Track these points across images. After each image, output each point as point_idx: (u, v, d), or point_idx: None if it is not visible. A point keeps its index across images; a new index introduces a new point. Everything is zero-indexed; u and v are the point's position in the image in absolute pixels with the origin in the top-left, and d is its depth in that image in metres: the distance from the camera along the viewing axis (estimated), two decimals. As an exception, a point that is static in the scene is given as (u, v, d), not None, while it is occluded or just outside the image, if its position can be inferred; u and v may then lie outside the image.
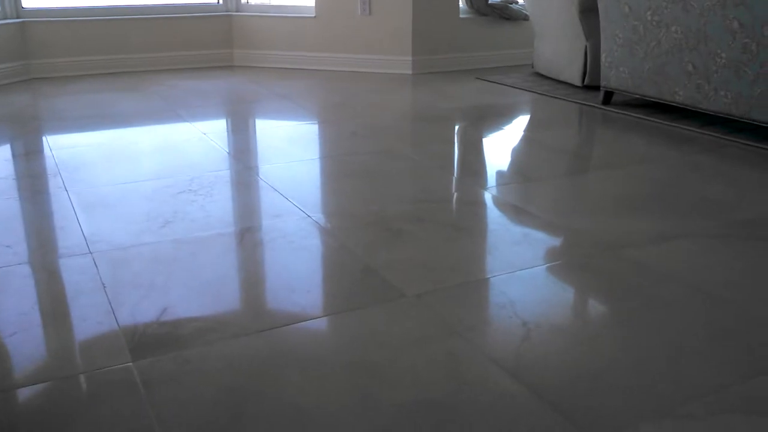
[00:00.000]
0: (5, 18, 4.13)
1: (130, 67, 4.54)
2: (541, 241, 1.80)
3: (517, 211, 2.01)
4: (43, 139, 2.80)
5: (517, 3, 4.79)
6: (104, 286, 1.55)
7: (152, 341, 1.33)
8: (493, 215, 1.99)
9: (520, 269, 1.63)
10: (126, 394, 1.17)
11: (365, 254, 1.71)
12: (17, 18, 4.18)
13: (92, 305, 1.46)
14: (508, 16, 4.66)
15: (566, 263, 1.67)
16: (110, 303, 1.47)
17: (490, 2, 4.62)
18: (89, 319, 1.40)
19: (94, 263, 1.66)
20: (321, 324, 1.39)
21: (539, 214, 1.99)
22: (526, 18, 4.70)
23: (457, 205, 2.07)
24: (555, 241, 1.80)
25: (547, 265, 1.66)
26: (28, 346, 1.31)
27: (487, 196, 2.14)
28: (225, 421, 1.10)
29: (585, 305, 1.47)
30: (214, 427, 1.08)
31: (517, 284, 1.56)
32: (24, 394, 1.17)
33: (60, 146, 2.68)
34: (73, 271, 1.62)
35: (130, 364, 1.25)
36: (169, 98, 3.64)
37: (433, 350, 1.29)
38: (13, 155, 2.59)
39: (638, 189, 2.20)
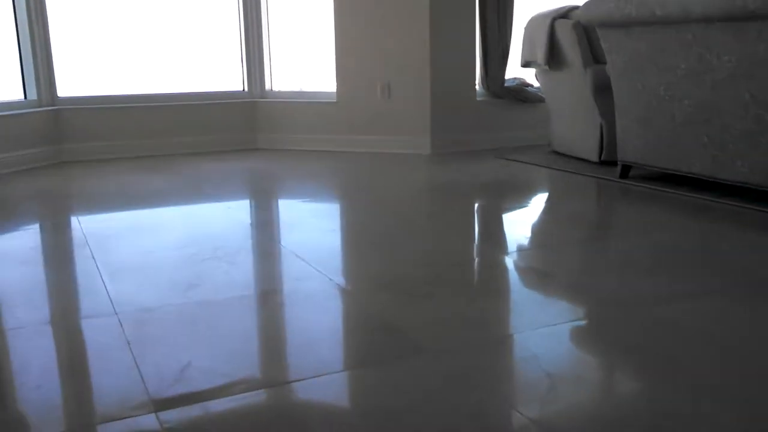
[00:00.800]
0: (41, 106, 4.32)
1: (157, 151, 4.69)
2: (563, 300, 1.80)
3: (538, 274, 2.02)
4: (72, 214, 2.88)
5: (532, 86, 4.93)
6: (129, 344, 1.56)
7: (176, 394, 1.33)
8: (514, 277, 1.99)
9: (543, 326, 1.63)
10: (149, 441, 1.16)
11: (387, 313, 1.72)
12: (52, 106, 4.37)
13: (117, 360, 1.47)
14: (524, 98, 4.79)
15: (590, 320, 1.66)
16: (135, 359, 1.48)
17: (506, 85, 4.76)
18: (113, 373, 1.41)
19: (120, 323, 1.69)
20: (343, 377, 1.39)
21: (560, 276, 1.99)
22: (541, 100, 4.83)
23: (478, 268, 2.08)
24: (577, 301, 1.79)
25: (571, 322, 1.65)
26: (53, 399, 1.32)
27: (508, 260, 2.15)
28: (247, 465, 1.09)
29: (610, 358, 1.46)
30: (236, 472, 1.08)
31: (541, 340, 1.55)
32: (48, 441, 1.17)
33: (88, 221, 2.76)
34: (98, 330, 1.64)
35: (154, 414, 1.25)
36: (194, 178, 3.74)
37: (457, 400, 1.28)
38: (44, 229, 2.66)
39: (659, 253, 2.20)
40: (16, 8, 4.23)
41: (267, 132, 4.94)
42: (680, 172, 3.13)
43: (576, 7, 3.92)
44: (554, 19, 3.98)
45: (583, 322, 1.64)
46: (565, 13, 3.96)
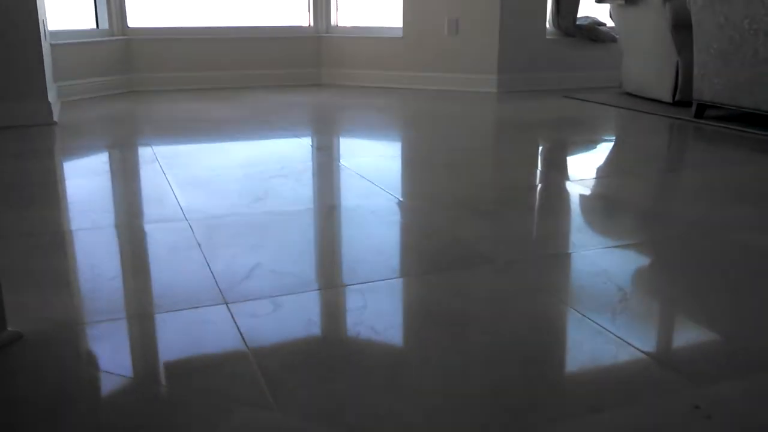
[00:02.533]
0: (112, 35, 4.39)
1: (223, 84, 4.72)
2: (634, 222, 1.75)
3: (606, 199, 1.97)
4: (142, 135, 2.94)
5: (605, 26, 4.75)
6: (199, 245, 1.59)
7: (245, 289, 1.35)
8: (582, 201, 1.95)
9: (614, 246, 1.59)
10: (221, 327, 1.19)
11: (453, 228, 1.71)
12: (123, 36, 4.43)
13: (188, 259, 1.51)
14: (595, 37, 4.63)
15: (663, 241, 1.61)
16: (205, 258, 1.51)
17: (577, 23, 4.60)
18: (185, 270, 1.45)
19: (190, 228, 1.72)
20: (410, 281, 1.39)
21: (629, 202, 1.94)
22: (614, 40, 4.66)
23: (544, 193, 2.04)
24: (649, 223, 1.74)
25: (642, 243, 1.61)
26: (127, 288, 1.36)
27: (575, 187, 2.10)
28: (317, 348, 1.10)
29: (684, 274, 1.42)
30: (307, 353, 1.09)
31: (611, 257, 1.51)
32: (125, 325, 1.20)
33: (157, 141, 2.81)
34: (170, 233, 1.68)
35: (225, 306, 1.28)
36: (259, 108, 3.77)
37: (526, 305, 1.27)
38: (115, 146, 2.72)
39: (734, 185, 2.11)
40: (89, -64, 4.27)
41: (331, 67, 4.91)
42: (760, 111, 2.99)
43: (657, -61, 3.73)
44: (633, -49, 3.80)
45: (654, 244, 1.60)
46: (645, -55, 3.77)
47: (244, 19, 4.85)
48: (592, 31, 4.61)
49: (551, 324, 1.20)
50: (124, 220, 1.78)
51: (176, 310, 1.26)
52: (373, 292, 1.33)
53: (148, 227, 1.72)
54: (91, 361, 1.08)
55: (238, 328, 1.19)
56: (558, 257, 1.52)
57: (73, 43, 4.04)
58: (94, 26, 4.38)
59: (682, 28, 3.62)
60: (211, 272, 1.43)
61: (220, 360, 1.08)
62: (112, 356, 1.09)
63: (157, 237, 1.65)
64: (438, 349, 1.11)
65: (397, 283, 1.38)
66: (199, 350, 1.11)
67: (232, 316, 1.23)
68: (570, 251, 1.55)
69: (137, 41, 4.47)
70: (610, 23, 4.65)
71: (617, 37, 4.34)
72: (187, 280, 1.39)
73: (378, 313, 1.24)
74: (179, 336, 1.16)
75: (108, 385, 1.01)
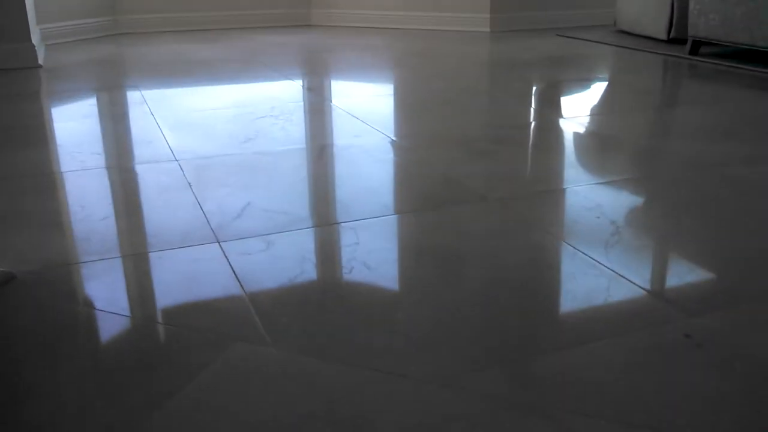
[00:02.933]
0: (94, -25, 4.27)
1: (211, 24, 4.63)
2: (628, 158, 1.74)
3: (600, 137, 1.95)
4: (130, 77, 2.89)
5: (599, -38, 4.65)
6: (190, 185, 1.58)
7: (237, 228, 1.34)
8: (576, 138, 1.94)
9: (607, 181, 1.58)
10: (214, 265, 1.19)
11: (446, 167, 1.70)
12: (105, -25, 4.32)
13: (179, 199, 1.50)
14: (590, -26, 4.53)
15: (655, 177, 1.61)
16: (196, 198, 1.50)
17: (571, -41, 4.50)
18: (176, 209, 1.44)
19: (180, 168, 1.70)
20: (403, 218, 1.39)
21: (624, 138, 1.93)
22: (608, -24, 4.57)
23: (538, 131, 2.02)
24: (643, 159, 1.74)
25: (636, 177, 1.60)
26: (118, 228, 1.35)
27: (569, 124, 2.09)
28: (309, 284, 1.11)
29: (676, 209, 1.42)
30: (300, 290, 1.09)
31: (605, 192, 1.51)
32: (118, 264, 1.20)
33: (145, 83, 2.76)
34: (160, 173, 1.66)
35: (217, 244, 1.28)
36: (248, 48, 3.70)
37: (518, 241, 1.27)
38: (103, 88, 2.67)
39: (729, 121, 2.10)
40: None
41: (321, 7, 4.82)
42: (756, 47, 2.96)
43: None
44: None
45: (647, 179, 1.60)
46: None
47: (231, -43, 4.72)
48: (587, -33, 4.51)
49: (545, 258, 1.20)
50: (114, 161, 1.77)
51: (169, 249, 1.25)
52: (366, 229, 1.33)
53: (138, 168, 1.71)
54: (87, 299, 1.08)
55: (231, 266, 1.18)
56: (552, 193, 1.51)
57: (55, -16, 3.93)
58: (76, -34, 4.26)
59: (678, -38, 3.54)
60: (203, 212, 1.42)
61: (214, 297, 1.08)
62: (108, 295, 1.09)
63: (148, 178, 1.64)
64: (431, 284, 1.11)
65: (390, 220, 1.37)
66: (192, 288, 1.11)
67: (225, 255, 1.23)
68: (564, 187, 1.55)
69: (121, -19, 4.36)
70: (604, -41, 4.55)
71: (612, -27, 4.25)
72: (179, 219, 1.39)
73: (371, 249, 1.24)
74: (173, 274, 1.16)
75: (105, 323, 1.02)
